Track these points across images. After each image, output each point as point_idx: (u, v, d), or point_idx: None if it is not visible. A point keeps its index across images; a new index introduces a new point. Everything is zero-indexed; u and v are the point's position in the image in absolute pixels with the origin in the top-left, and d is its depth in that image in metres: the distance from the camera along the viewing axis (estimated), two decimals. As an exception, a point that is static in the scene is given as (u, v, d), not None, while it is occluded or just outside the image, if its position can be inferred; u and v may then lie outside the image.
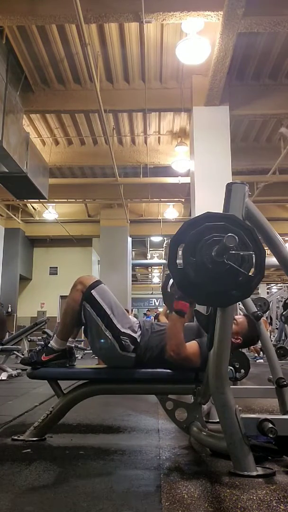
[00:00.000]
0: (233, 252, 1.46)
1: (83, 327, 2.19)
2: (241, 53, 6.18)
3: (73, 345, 2.28)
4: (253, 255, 1.51)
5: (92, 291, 2.11)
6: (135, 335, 2.14)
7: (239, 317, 2.26)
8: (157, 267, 20.38)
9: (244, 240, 1.51)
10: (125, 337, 2.10)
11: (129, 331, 2.12)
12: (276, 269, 15.62)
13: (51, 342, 2.19)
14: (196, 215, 1.62)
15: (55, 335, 2.22)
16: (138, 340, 2.13)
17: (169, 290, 2.98)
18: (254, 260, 1.52)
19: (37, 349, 2.21)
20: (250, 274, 1.52)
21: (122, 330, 2.10)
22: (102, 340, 2.11)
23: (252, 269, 1.53)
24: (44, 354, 2.14)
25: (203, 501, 1.35)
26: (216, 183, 5.12)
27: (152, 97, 6.78)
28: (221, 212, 1.68)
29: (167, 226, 12.52)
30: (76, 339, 2.51)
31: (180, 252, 1.57)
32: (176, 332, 2.02)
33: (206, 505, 1.31)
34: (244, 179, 2.03)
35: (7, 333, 6.96)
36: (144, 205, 12.53)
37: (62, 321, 2.23)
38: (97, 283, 2.14)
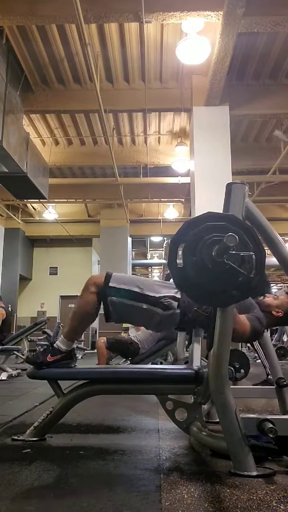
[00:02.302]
0: (233, 252, 1.46)
1: (105, 320, 2.16)
2: (241, 53, 6.18)
3: (74, 346, 2.27)
4: (253, 256, 1.51)
5: (110, 284, 2.08)
6: (173, 293, 2.14)
7: (280, 294, 2.35)
8: (157, 267, 20.36)
9: (244, 240, 1.51)
10: (164, 299, 2.10)
11: (165, 293, 2.12)
12: (276, 269, 15.61)
13: (57, 342, 2.17)
14: (196, 215, 1.62)
15: (62, 336, 2.19)
16: (178, 296, 2.13)
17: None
18: (254, 261, 1.52)
19: (41, 349, 2.18)
20: (250, 274, 1.52)
21: (158, 295, 2.10)
22: (149, 316, 2.11)
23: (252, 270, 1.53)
24: (49, 355, 2.13)
25: (203, 501, 1.35)
26: (216, 183, 5.13)
27: (152, 97, 6.78)
28: (221, 212, 1.68)
29: (167, 226, 12.52)
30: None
31: (180, 252, 1.57)
32: None
33: (206, 505, 1.31)
34: (244, 179, 2.03)
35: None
36: (144, 205, 12.53)
37: (72, 323, 2.19)
38: (108, 275, 2.12)
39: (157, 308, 2.09)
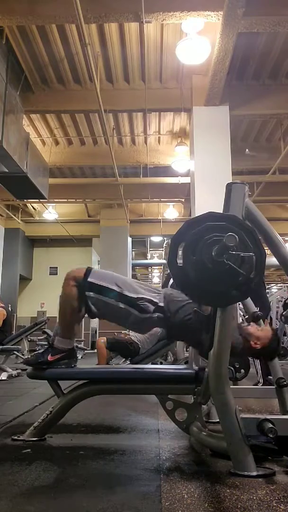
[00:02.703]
0: (233, 252, 1.46)
1: (87, 315, 2.16)
2: (241, 53, 6.18)
3: (74, 345, 2.27)
4: (253, 257, 1.51)
5: (89, 279, 2.08)
6: (151, 297, 2.13)
7: (266, 327, 2.28)
8: (157, 267, 20.36)
9: (244, 241, 1.51)
10: (141, 301, 2.09)
11: (144, 295, 2.12)
12: (276, 269, 15.62)
13: (55, 343, 2.16)
14: (197, 215, 1.62)
15: (57, 336, 2.19)
16: (157, 300, 2.12)
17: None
18: (254, 261, 1.51)
19: (41, 350, 2.18)
20: (250, 275, 1.51)
21: (136, 296, 2.09)
22: (124, 315, 2.11)
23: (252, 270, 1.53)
24: (50, 354, 2.13)
25: (203, 501, 1.35)
26: (216, 183, 5.12)
27: (152, 97, 6.78)
28: (222, 212, 1.68)
29: (167, 226, 12.51)
30: (76, 339, 2.51)
31: (180, 252, 1.57)
32: None
33: (206, 505, 1.31)
34: (244, 179, 2.03)
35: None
36: (144, 205, 12.53)
37: (62, 321, 2.18)
38: (89, 270, 2.12)
39: (134, 309, 2.08)
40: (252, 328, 2.21)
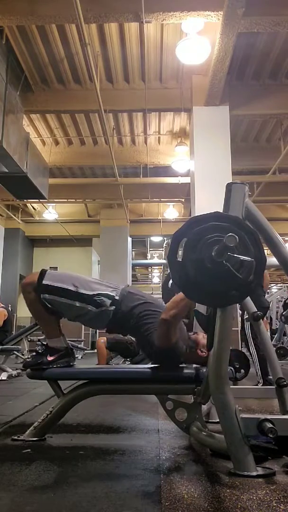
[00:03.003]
0: (233, 255, 1.46)
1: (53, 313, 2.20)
2: (241, 53, 6.18)
3: (69, 343, 2.28)
4: (253, 262, 1.50)
5: (43, 282, 2.12)
6: (108, 291, 2.17)
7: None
8: (157, 267, 20.36)
9: (246, 245, 1.50)
10: (98, 297, 2.13)
11: (100, 291, 2.15)
12: (276, 269, 15.61)
13: (49, 344, 2.19)
14: (204, 213, 1.61)
15: (47, 338, 2.22)
16: (113, 294, 2.16)
17: (169, 286, 3.00)
18: (253, 267, 1.51)
19: (39, 350, 2.19)
20: (247, 279, 1.51)
21: (92, 293, 2.13)
22: (81, 313, 2.15)
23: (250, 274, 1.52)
24: (48, 355, 2.15)
25: (203, 501, 1.35)
26: (216, 183, 5.12)
27: (152, 97, 6.78)
28: (228, 213, 1.67)
29: (167, 226, 12.51)
30: (76, 339, 2.52)
31: (180, 252, 1.57)
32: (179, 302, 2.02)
33: (206, 505, 1.31)
34: (244, 179, 2.03)
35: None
36: (144, 205, 12.53)
37: (41, 324, 2.28)
38: (42, 273, 2.16)
39: (90, 305, 2.12)
40: (199, 336, 2.23)
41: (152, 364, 2.18)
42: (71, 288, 2.12)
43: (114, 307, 2.14)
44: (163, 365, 2.10)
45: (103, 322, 2.20)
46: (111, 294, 2.16)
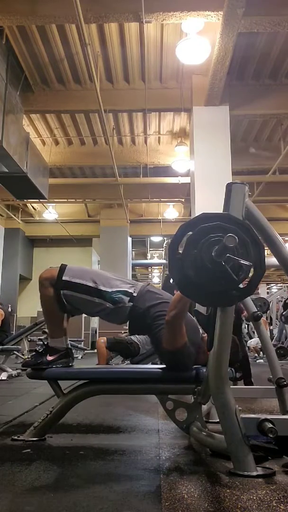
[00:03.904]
0: (232, 257, 1.45)
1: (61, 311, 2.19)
2: (241, 53, 6.18)
3: (69, 343, 2.28)
4: (252, 267, 1.50)
5: (63, 278, 2.11)
6: (126, 288, 2.17)
7: None
8: (157, 267, 20.37)
9: (248, 252, 1.50)
10: (116, 294, 2.13)
11: (119, 288, 2.15)
12: (276, 269, 15.61)
13: (50, 343, 2.18)
14: (214, 211, 1.61)
15: (49, 338, 2.21)
16: (131, 291, 2.16)
17: (171, 282, 3.00)
18: (252, 272, 1.51)
19: (39, 349, 2.19)
20: (243, 282, 1.51)
21: (111, 290, 2.14)
22: (100, 309, 2.15)
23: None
24: (48, 355, 2.14)
25: (203, 501, 1.35)
26: (216, 183, 5.12)
27: (152, 97, 6.78)
28: (236, 216, 1.66)
29: (167, 226, 12.51)
30: (76, 339, 2.52)
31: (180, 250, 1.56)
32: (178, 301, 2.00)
33: (206, 505, 1.31)
34: (244, 179, 2.03)
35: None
36: (144, 205, 12.53)
37: (48, 322, 2.26)
38: (62, 269, 2.14)
39: (108, 302, 2.12)
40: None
41: (161, 365, 2.17)
42: (91, 284, 2.12)
43: (131, 303, 2.15)
44: (170, 366, 2.07)
45: (121, 318, 2.21)
46: (129, 291, 2.16)
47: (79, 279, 2.12)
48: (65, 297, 2.11)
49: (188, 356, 2.03)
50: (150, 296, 2.19)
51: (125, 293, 2.15)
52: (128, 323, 2.26)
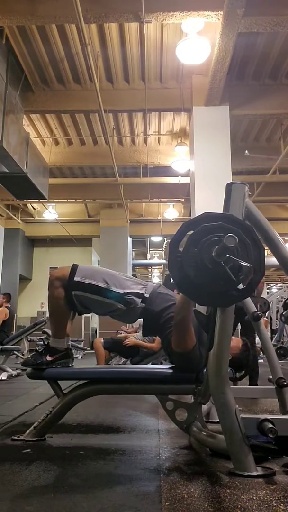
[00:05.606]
0: (232, 257, 1.45)
1: (76, 311, 2.20)
2: (241, 53, 6.18)
3: (69, 344, 2.28)
4: (251, 269, 1.50)
5: (75, 279, 2.10)
6: (138, 289, 2.16)
7: (235, 337, 2.28)
8: (157, 267, 20.37)
9: (249, 254, 1.50)
10: (128, 296, 2.13)
11: (130, 289, 2.15)
12: (276, 269, 15.61)
13: (51, 343, 2.18)
14: (218, 212, 1.61)
15: (52, 337, 2.21)
16: (143, 292, 2.16)
17: (171, 281, 2.99)
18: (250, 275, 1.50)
19: (39, 349, 2.19)
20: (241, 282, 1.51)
21: (123, 291, 2.13)
22: (111, 309, 2.15)
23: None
24: (48, 355, 2.14)
25: (203, 501, 1.35)
26: (216, 183, 5.13)
27: (152, 97, 6.78)
28: (239, 218, 1.66)
29: (167, 226, 12.51)
30: (76, 339, 2.52)
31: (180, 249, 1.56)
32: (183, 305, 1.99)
33: (206, 505, 1.31)
34: (244, 179, 2.03)
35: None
36: (144, 205, 12.53)
37: (53, 322, 2.23)
38: (74, 269, 2.13)
39: (120, 303, 2.12)
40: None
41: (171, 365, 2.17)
42: (103, 285, 2.11)
43: (143, 305, 2.14)
44: (180, 368, 2.06)
45: (132, 318, 2.22)
46: (141, 292, 2.16)
47: (91, 280, 2.11)
48: (76, 298, 2.10)
49: (197, 358, 2.02)
50: (163, 298, 2.18)
51: (137, 294, 2.14)
52: (142, 325, 2.27)
